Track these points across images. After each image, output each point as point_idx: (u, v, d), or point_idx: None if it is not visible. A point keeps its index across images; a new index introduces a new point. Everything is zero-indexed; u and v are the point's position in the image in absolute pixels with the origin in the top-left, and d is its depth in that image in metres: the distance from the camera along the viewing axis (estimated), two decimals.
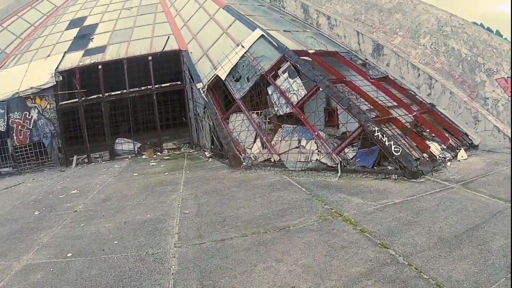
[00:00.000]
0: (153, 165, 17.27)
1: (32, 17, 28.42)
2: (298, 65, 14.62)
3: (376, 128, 12.24)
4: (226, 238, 8.01)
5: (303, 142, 13.65)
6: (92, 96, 20.78)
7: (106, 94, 20.58)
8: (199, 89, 17.66)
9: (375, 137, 12.22)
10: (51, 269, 7.47)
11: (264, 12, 20.92)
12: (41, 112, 20.88)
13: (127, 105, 21.13)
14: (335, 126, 16.32)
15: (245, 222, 8.82)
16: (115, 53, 21.12)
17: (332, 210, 9.06)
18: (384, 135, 12.08)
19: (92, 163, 20.62)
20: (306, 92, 14.25)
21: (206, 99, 17.04)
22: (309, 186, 11.11)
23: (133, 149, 20.80)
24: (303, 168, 12.94)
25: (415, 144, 13.10)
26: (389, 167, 12.15)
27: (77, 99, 20.76)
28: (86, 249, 8.28)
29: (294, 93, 14.50)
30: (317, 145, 13.36)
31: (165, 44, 20.59)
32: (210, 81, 17.37)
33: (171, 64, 21.38)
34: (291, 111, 14.37)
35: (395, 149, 11.86)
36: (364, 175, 11.98)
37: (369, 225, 7.99)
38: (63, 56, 22.14)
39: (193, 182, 13.03)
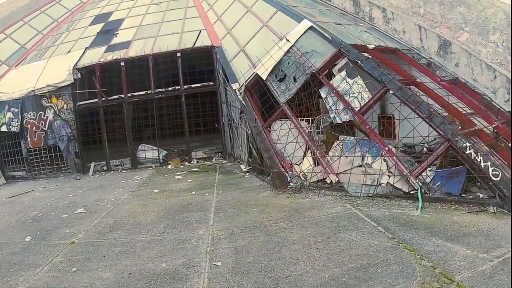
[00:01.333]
0: (179, 178, 14.10)
1: (56, 13, 25.52)
2: (359, 62, 11.33)
3: (468, 144, 8.90)
4: None
5: (368, 160, 10.33)
6: (113, 97, 17.83)
7: (129, 94, 17.59)
8: (234, 90, 14.47)
9: (466, 156, 8.86)
10: None
11: (309, 4, 17.51)
12: (57, 112, 18.08)
13: (152, 107, 17.98)
14: (392, 138, 12.91)
15: None
16: (140, 49, 18.08)
17: (435, 270, 5.78)
18: (479, 153, 8.71)
19: (112, 172, 17.63)
20: (370, 96, 10.94)
21: (243, 102, 13.80)
22: (387, 224, 7.73)
23: (157, 157, 17.68)
24: (370, 194, 9.60)
25: (506, 163, 9.65)
26: (480, 194, 8.94)
27: (96, 99, 17.84)
28: None
29: (355, 97, 11.16)
30: (387, 164, 10.01)
31: (196, 39, 17.52)
32: (248, 81, 14.14)
33: (202, 62, 18.16)
34: (352, 119, 11.06)
35: (494, 173, 8.52)
36: (452, 205, 8.70)
37: None
38: (84, 52, 19.23)
39: (227, 208, 9.71)
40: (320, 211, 8.83)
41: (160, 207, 10.40)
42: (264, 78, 13.36)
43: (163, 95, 17.72)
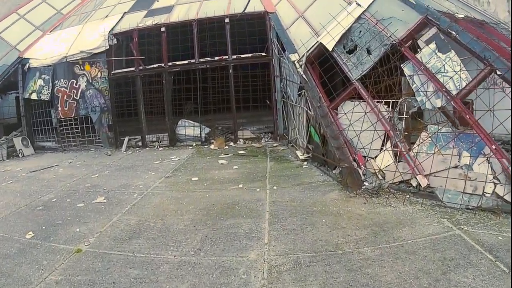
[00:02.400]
0: (222, 163, 11.59)
1: None
2: (454, 33, 8.52)
3: None
4: None
5: (466, 160, 7.53)
6: (152, 66, 15.51)
7: (170, 63, 15.20)
8: (293, 62, 11.76)
9: None
10: None
11: None
12: (90, 81, 16.03)
13: (195, 78, 15.38)
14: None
15: None
16: (184, 14, 15.56)
17: None
18: None
19: (147, 148, 15.47)
20: (469, 77, 8.09)
21: (304, 76, 11.07)
22: (508, 257, 4.99)
23: (199, 135, 15.28)
24: (471, 207, 6.85)
25: None
26: None
27: (133, 68, 15.57)
28: None
29: (450, 77, 8.35)
30: (492, 168, 7.23)
31: (247, 4, 14.94)
32: (309, 51, 11.41)
33: (254, 30, 15.38)
34: (446, 104, 8.26)
35: None
36: None
37: None
38: (122, 17, 17.03)
39: (286, 215, 7.04)
40: (412, 229, 6.11)
41: (198, 205, 7.90)
42: (330, 49, 10.61)
43: (208, 66, 15.23)
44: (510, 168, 6.97)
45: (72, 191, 9.79)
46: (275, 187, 8.75)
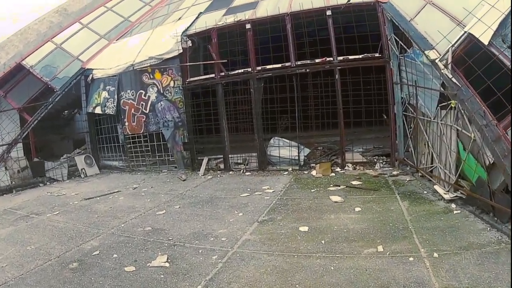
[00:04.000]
0: (336, 202, 8.23)
1: None
2: None
3: None
4: None
5: None
6: (237, 71, 12.52)
7: (258, 68, 12.16)
8: (433, 61, 8.33)
9: None
10: None
11: None
12: (161, 91, 13.47)
13: (291, 86, 12.06)
14: None
15: None
16: (272, 7, 12.50)
17: None
18: None
19: (230, 172, 12.56)
20: None
21: (454, 80, 7.59)
22: None
23: (296, 157, 12.03)
24: None
25: None
26: None
27: (213, 75, 12.71)
28: None
29: None
30: None
31: None
32: (455, 46, 8.01)
33: (362, 25, 11.66)
34: None
35: None
36: None
37: None
38: (197, 17, 14.32)
39: None
40: None
41: None
42: (486, 42, 7.22)
43: (307, 70, 11.83)
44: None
45: (124, 238, 7.02)
46: (435, 254, 5.30)
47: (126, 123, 14.19)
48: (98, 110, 14.90)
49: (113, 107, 14.33)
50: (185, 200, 9.39)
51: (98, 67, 15.16)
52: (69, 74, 15.40)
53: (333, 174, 10.91)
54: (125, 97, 14.09)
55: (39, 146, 15.32)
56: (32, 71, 15.11)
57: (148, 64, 13.47)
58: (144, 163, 14.36)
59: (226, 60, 12.46)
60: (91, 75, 15.14)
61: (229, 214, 8.00)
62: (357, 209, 7.60)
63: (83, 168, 15.07)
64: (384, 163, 11.38)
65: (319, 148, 12.73)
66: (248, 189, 9.92)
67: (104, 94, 14.70)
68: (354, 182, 9.67)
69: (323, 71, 11.81)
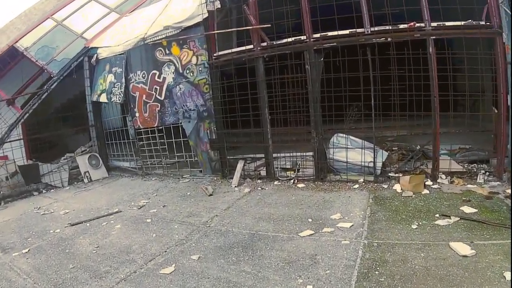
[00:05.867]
0: (466, 256, 4.40)
1: None
2: None
3: None
4: None
5: None
6: (285, 40, 8.50)
7: (316, 35, 8.21)
8: None
9: None
10: None
11: None
12: (180, 71, 9.78)
13: (364, 61, 7.79)
14: None
15: None
16: None
17: None
18: None
19: (276, 183, 8.72)
20: None
21: None
22: None
23: (371, 163, 8.01)
24: None
25: None
26: None
27: (251, 46, 8.81)
28: None
29: None
30: None
31: None
32: None
33: None
34: None
35: None
36: None
37: None
38: None
39: None
40: None
41: None
42: None
43: (387, 39, 7.72)
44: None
45: None
46: None
47: (137, 114, 10.66)
48: (103, 99, 11.46)
49: (120, 94, 10.84)
50: (209, 241, 5.71)
51: (104, 45, 11.70)
52: (70, 56, 12.10)
53: (426, 191, 7.08)
54: (135, 80, 10.52)
55: (47, 143, 12.67)
56: (26, 54, 11.85)
57: (164, 35, 9.86)
58: (160, 166, 10.87)
59: (269, 25, 8.49)
60: (95, 55, 11.70)
61: (286, 278, 4.38)
62: (507, 275, 3.92)
63: (87, 171, 11.73)
64: (486, 174, 7.57)
65: (393, 148, 8.96)
66: (309, 219, 6.17)
67: (110, 77, 11.22)
68: (467, 210, 5.90)
69: (411, 40, 7.63)
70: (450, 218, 5.62)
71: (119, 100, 10.89)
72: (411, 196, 6.85)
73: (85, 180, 11.55)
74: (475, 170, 7.84)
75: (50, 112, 13.18)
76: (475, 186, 7.10)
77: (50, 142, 13.14)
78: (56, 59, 11.95)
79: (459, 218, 5.59)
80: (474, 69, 7.55)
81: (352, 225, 5.75)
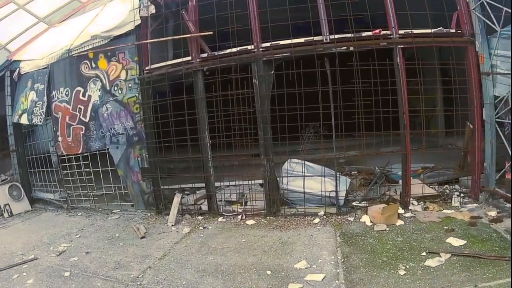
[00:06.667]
0: None
1: None
2: None
3: None
4: None
5: None
6: (228, 50, 7.10)
7: (266, 44, 6.89)
8: None
9: None
10: None
11: None
12: (107, 87, 8.24)
13: (322, 73, 6.54)
14: None
15: None
16: None
17: None
18: None
19: (220, 219, 7.26)
20: None
21: None
22: None
23: (333, 192, 6.73)
24: None
25: None
26: None
27: (189, 57, 7.38)
28: None
29: None
30: None
31: None
32: None
33: None
34: None
35: None
36: None
37: None
38: None
39: None
40: None
41: None
42: None
43: (350, 48, 6.55)
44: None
45: None
46: None
47: (60, 138, 8.97)
48: (24, 120, 9.71)
49: (41, 115, 9.14)
50: None
51: (27, 58, 10.03)
52: None
53: (400, 221, 5.90)
54: (58, 98, 8.88)
55: None
56: None
57: (91, 46, 8.30)
58: (86, 198, 9.17)
59: (211, 32, 7.09)
60: (17, 69, 10.01)
61: None
62: None
63: (7, 204, 9.86)
64: (461, 195, 6.71)
65: (352, 172, 7.67)
66: (268, 272, 4.79)
67: (32, 95, 9.52)
68: (455, 242, 4.98)
69: (377, 50, 6.48)
70: (440, 256, 4.62)
71: (40, 121, 9.20)
72: (385, 230, 5.72)
73: (5, 215, 9.69)
74: (447, 192, 6.99)
75: None
76: (453, 211, 6.25)
77: None
78: None
79: (450, 255, 4.62)
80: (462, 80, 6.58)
81: (325, 277, 4.50)
